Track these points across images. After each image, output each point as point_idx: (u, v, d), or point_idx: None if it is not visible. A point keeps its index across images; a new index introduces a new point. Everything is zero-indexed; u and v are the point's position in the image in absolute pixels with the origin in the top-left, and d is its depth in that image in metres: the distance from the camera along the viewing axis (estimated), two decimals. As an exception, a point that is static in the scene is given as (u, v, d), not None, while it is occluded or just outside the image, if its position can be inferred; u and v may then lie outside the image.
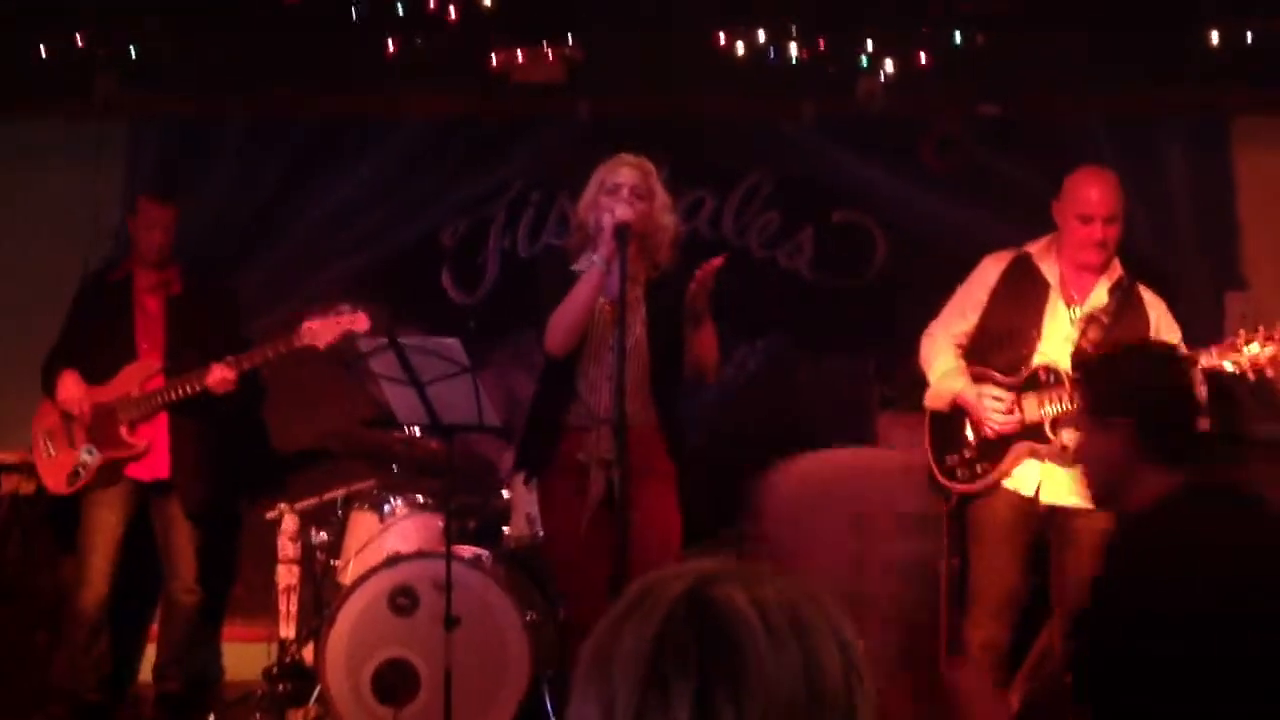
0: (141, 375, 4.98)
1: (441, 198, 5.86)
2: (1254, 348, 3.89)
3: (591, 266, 3.98)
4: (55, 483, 4.98)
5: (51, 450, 4.99)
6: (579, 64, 5.45)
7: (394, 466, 5.15)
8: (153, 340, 5.05)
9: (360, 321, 4.78)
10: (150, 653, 5.43)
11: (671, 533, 4.10)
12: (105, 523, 4.97)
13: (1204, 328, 3.99)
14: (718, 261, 3.96)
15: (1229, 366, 3.93)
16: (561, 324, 4.03)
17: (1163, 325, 4.31)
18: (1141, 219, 5.67)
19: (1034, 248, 4.43)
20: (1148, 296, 4.36)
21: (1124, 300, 4.31)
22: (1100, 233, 4.26)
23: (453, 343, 4.01)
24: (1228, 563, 2.37)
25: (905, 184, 5.71)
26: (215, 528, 5.24)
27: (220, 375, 4.82)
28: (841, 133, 5.72)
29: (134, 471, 4.99)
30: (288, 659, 5.08)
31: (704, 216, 5.77)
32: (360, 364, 4.22)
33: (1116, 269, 4.35)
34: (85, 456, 4.94)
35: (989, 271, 4.47)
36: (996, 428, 4.22)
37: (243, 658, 5.49)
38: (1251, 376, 3.91)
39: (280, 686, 4.97)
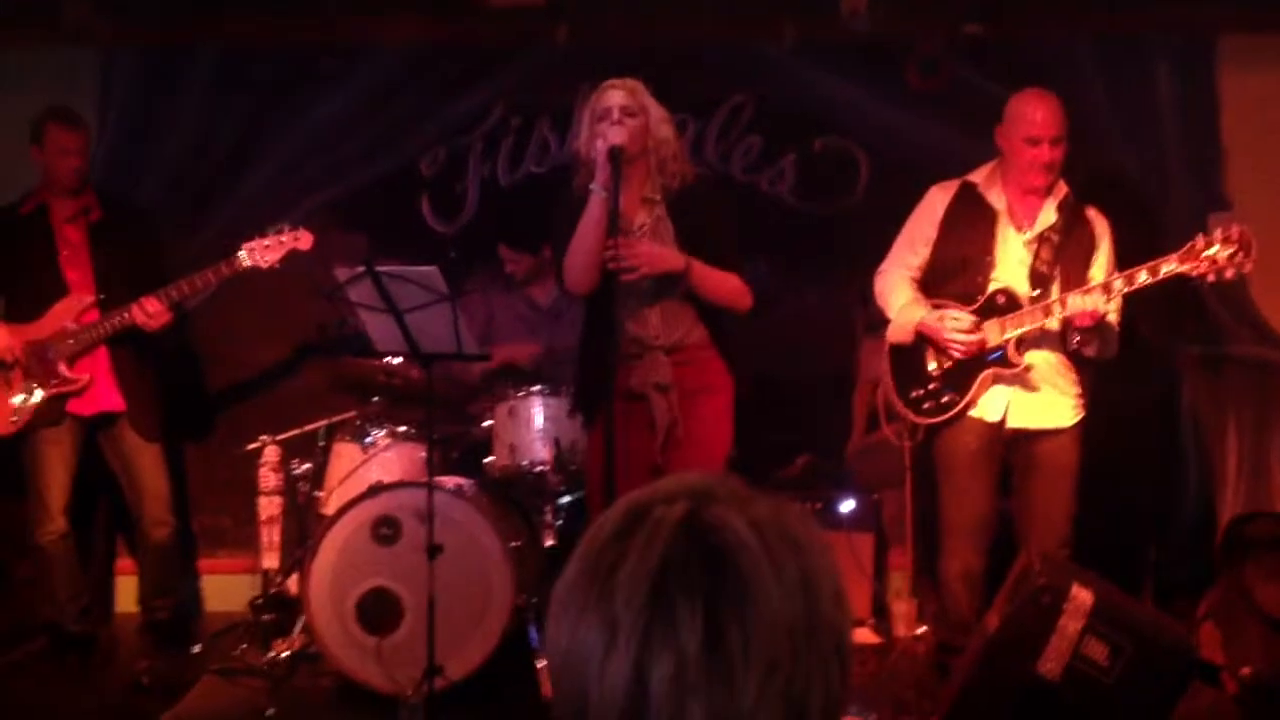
0: (75, 309, 4.90)
1: (419, 126, 5.79)
2: (1214, 249, 3.92)
3: (593, 196, 3.95)
4: None
5: None
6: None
7: (375, 396, 5.13)
8: (81, 271, 4.96)
9: (304, 239, 4.73)
10: (123, 585, 5.46)
11: (721, 452, 4.13)
12: (55, 459, 4.93)
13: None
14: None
15: (1190, 271, 3.95)
16: (576, 261, 4.03)
17: (1104, 242, 4.33)
18: (1127, 141, 5.65)
19: (978, 176, 4.42)
20: (1092, 214, 4.37)
21: (1072, 218, 4.32)
22: (1048, 154, 4.26)
23: (431, 270, 3.98)
24: None
25: (888, 107, 5.66)
26: (178, 457, 5.24)
27: (151, 310, 4.76)
28: (824, 55, 5.65)
29: (76, 407, 4.93)
30: (272, 590, 5.10)
31: (686, 141, 5.69)
32: (339, 293, 4.18)
33: (1062, 188, 4.34)
34: (25, 396, 4.87)
35: (935, 203, 4.46)
36: (962, 348, 4.22)
37: (227, 589, 5.50)
38: (1211, 278, 3.94)
39: (265, 617, 4.99)
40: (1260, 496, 5.60)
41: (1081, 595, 3.67)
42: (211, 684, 4.64)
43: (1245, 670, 4.26)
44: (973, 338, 4.22)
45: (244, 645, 4.91)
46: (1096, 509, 5.03)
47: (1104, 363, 4.34)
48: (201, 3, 5.49)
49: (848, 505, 5.37)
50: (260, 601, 5.07)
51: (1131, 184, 5.60)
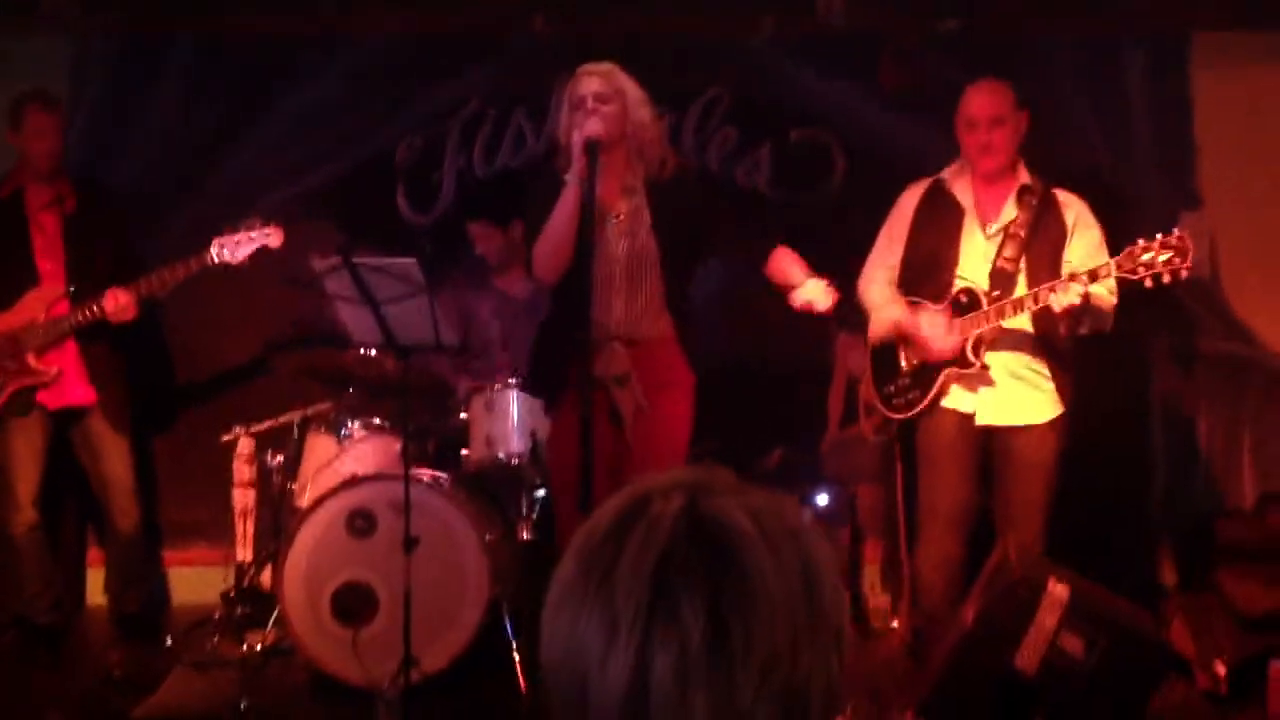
0: (45, 301, 4.85)
1: (395, 116, 5.77)
2: (1148, 256, 3.87)
3: (568, 186, 3.92)
4: None
5: None
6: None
7: (351, 388, 5.10)
8: (54, 261, 4.91)
9: (275, 237, 4.70)
10: (94, 577, 5.43)
11: (681, 446, 4.11)
12: (23, 449, 4.90)
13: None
14: None
15: (1128, 276, 3.91)
16: (546, 249, 3.99)
17: (1080, 224, 4.29)
18: (1100, 137, 5.68)
19: (948, 172, 4.43)
20: (1063, 197, 4.33)
21: (1040, 208, 4.28)
22: (984, 136, 4.25)
23: (408, 263, 3.95)
24: None
25: (864, 101, 5.68)
26: (145, 449, 5.19)
27: (119, 302, 4.72)
28: (801, 49, 5.66)
29: (46, 399, 4.90)
30: (245, 582, 5.07)
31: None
32: (315, 284, 4.15)
33: (1021, 177, 4.32)
34: None
35: (906, 202, 4.48)
36: (937, 347, 4.23)
37: (200, 581, 5.47)
38: (1149, 284, 3.88)
39: (238, 610, 4.96)
40: (1231, 491, 5.65)
41: (1057, 589, 3.69)
42: (184, 677, 4.60)
43: (1220, 667, 4.30)
44: (951, 338, 4.22)
45: (217, 638, 4.88)
46: (1068, 502, 5.07)
47: (1101, 336, 4.28)
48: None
49: (823, 499, 5.38)
50: (234, 594, 5.04)
51: (1104, 181, 5.62)
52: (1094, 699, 3.62)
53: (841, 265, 4.56)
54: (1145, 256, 3.87)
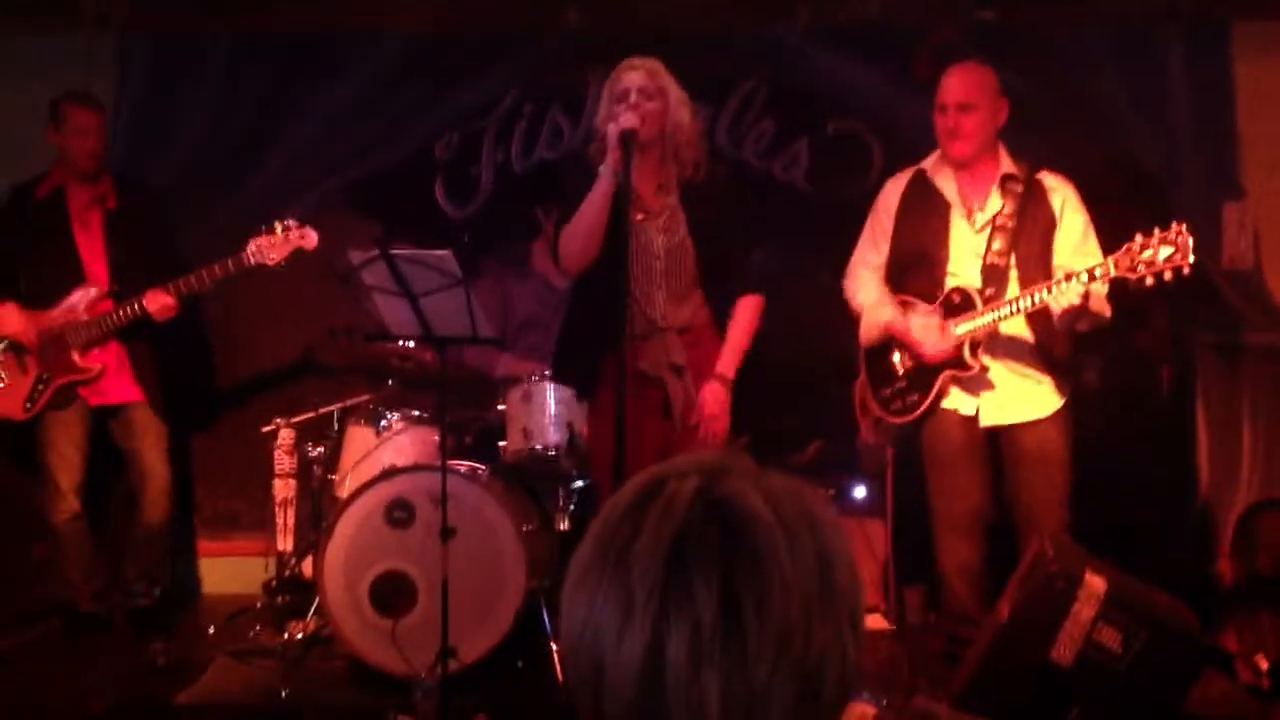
0: (89, 299, 4.92)
1: (433, 110, 5.79)
2: (1148, 253, 3.74)
3: (601, 177, 3.93)
4: (11, 408, 4.93)
5: (3, 376, 4.93)
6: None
7: (390, 380, 5.14)
8: (97, 259, 4.98)
9: (309, 238, 4.73)
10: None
11: (721, 438, 4.15)
12: (65, 440, 4.98)
13: (1202, 239, 3.92)
14: None
15: (1128, 275, 3.79)
16: (575, 239, 4.01)
17: (1067, 209, 4.21)
18: (1140, 129, 5.63)
19: (928, 162, 4.37)
20: (1050, 182, 4.25)
21: (1025, 195, 4.21)
22: (952, 120, 4.18)
23: (445, 254, 3.98)
24: None
25: (901, 93, 5.64)
26: (184, 442, 5.28)
27: (160, 303, 4.78)
28: (837, 40, 5.64)
29: (90, 395, 4.97)
30: (286, 572, 5.13)
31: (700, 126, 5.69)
32: (354, 276, 4.19)
33: (1002, 165, 4.25)
34: (40, 384, 4.90)
35: (890, 196, 4.41)
36: (930, 352, 4.18)
37: (241, 571, 5.53)
38: (1150, 282, 3.75)
39: (279, 599, 5.02)
40: (1274, 484, 5.59)
41: (1095, 582, 3.67)
42: (225, 665, 4.66)
43: (1263, 661, 4.25)
44: (943, 343, 4.18)
45: (258, 627, 4.94)
46: (1111, 496, 5.03)
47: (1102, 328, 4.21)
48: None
49: (860, 492, 5.37)
50: (275, 584, 5.09)
51: (1145, 172, 5.58)
52: (1131, 692, 3.60)
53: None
54: (1145, 254, 3.75)
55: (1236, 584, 4.95)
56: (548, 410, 4.71)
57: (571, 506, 4.82)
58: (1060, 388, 4.28)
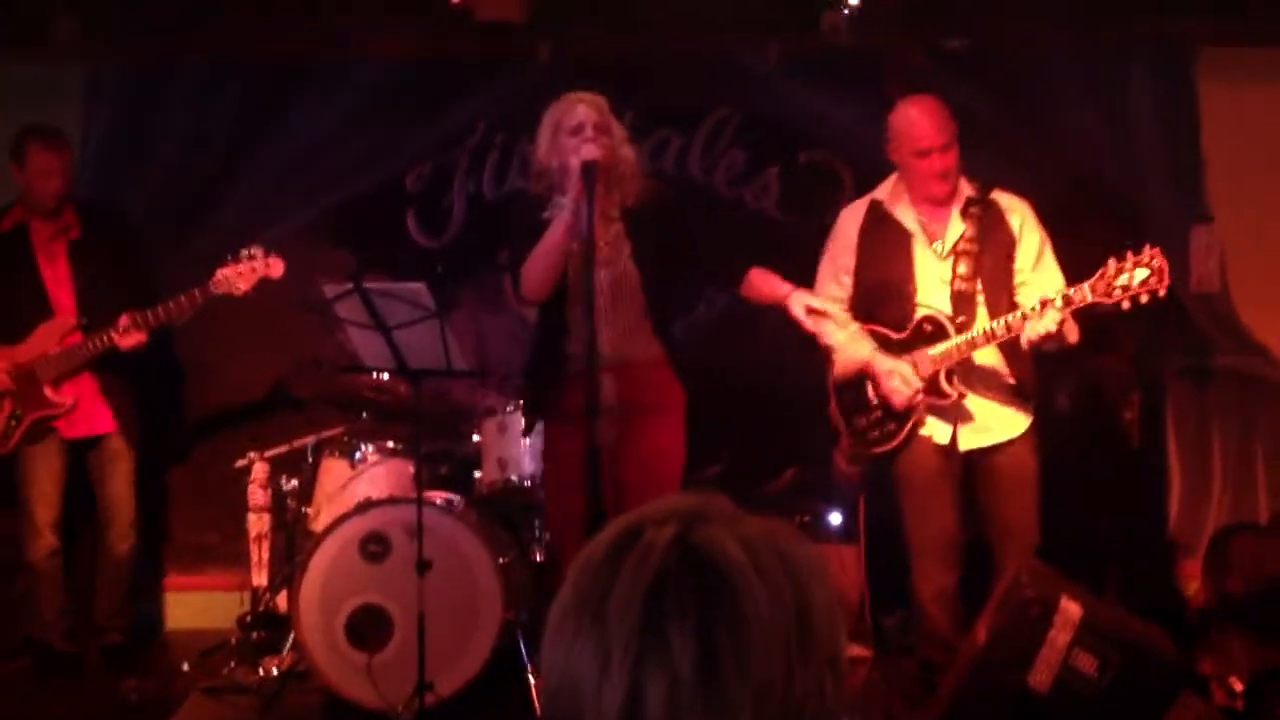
0: (59, 332, 4.89)
1: (403, 141, 5.79)
2: (1123, 278, 3.77)
3: (560, 210, 3.94)
4: None
5: None
6: (539, 2, 5.36)
7: (364, 413, 5.12)
8: (64, 292, 4.96)
9: (275, 267, 4.72)
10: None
11: (676, 469, 4.13)
12: (42, 475, 4.95)
13: (1170, 262, 3.95)
14: None
15: (1104, 300, 3.82)
16: (535, 271, 4.01)
17: (1025, 229, 4.24)
18: (1108, 153, 5.68)
19: (883, 194, 4.38)
20: (1005, 202, 4.28)
21: (983, 218, 4.23)
22: (939, 163, 4.19)
23: (418, 287, 3.98)
24: None
25: (871, 121, 5.66)
26: (157, 475, 5.25)
27: (131, 339, 4.75)
28: (808, 69, 5.66)
29: (64, 428, 4.94)
30: (261, 607, 5.08)
31: (670, 156, 5.72)
32: (326, 309, 4.18)
33: (963, 190, 4.27)
34: (13, 420, 4.87)
35: (847, 229, 4.41)
36: (900, 401, 4.20)
37: (215, 606, 5.48)
38: (1127, 306, 3.78)
39: (254, 634, 4.98)
40: (1245, 507, 5.63)
41: (1070, 607, 3.68)
42: (200, 702, 4.62)
43: (1237, 683, 4.28)
44: (913, 395, 4.18)
45: (233, 663, 4.89)
46: (1082, 520, 5.06)
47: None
48: (187, 19, 5.47)
49: (835, 518, 5.38)
50: (249, 619, 5.05)
51: (1113, 195, 5.63)
52: (1108, 717, 3.61)
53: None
54: (1121, 279, 3.78)
55: (1209, 606, 4.99)
56: (522, 441, 4.70)
57: (547, 537, 4.80)
58: (1026, 408, 4.31)
